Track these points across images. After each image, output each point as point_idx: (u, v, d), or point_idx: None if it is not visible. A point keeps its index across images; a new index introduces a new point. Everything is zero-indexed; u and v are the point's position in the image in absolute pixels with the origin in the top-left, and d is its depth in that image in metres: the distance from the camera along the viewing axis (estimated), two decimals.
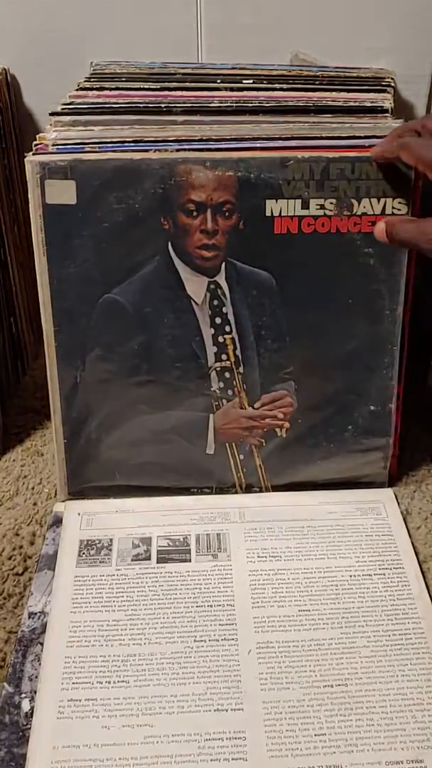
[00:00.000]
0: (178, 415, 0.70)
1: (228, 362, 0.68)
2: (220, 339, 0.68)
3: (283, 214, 0.64)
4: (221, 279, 0.66)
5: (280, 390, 0.70)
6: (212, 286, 0.66)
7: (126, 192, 0.63)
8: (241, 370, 0.69)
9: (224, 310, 0.67)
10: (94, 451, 0.71)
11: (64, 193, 0.62)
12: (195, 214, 0.64)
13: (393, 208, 0.64)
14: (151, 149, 0.62)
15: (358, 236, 0.65)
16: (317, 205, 0.64)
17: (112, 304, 0.66)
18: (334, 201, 0.64)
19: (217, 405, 0.70)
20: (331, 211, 0.64)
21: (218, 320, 0.67)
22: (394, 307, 0.67)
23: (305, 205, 0.64)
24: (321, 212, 0.64)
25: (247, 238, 0.65)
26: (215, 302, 0.67)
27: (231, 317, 0.67)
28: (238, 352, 0.68)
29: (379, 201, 0.63)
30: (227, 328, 0.67)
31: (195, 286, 0.66)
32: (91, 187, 0.62)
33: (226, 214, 0.64)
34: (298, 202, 0.63)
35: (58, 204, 0.62)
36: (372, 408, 0.70)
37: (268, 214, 0.64)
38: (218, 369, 0.69)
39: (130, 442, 0.71)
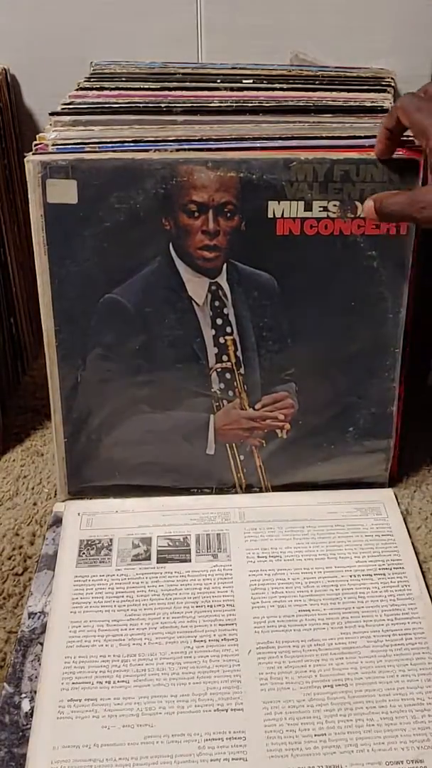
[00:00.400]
0: (179, 416, 0.70)
1: (229, 363, 0.68)
2: (221, 340, 0.67)
3: (285, 216, 0.63)
4: (222, 280, 0.66)
5: (281, 391, 0.69)
6: (213, 287, 0.66)
7: (127, 192, 0.62)
8: (241, 371, 0.68)
9: (225, 311, 0.67)
10: (94, 451, 0.71)
11: (65, 192, 0.62)
12: (196, 214, 0.63)
13: None
14: (151, 149, 0.62)
15: (361, 239, 0.64)
16: (320, 207, 0.63)
17: (113, 304, 0.66)
18: (337, 203, 0.63)
19: (218, 406, 0.70)
20: (334, 213, 0.63)
21: (219, 321, 0.67)
22: (398, 310, 0.66)
23: (308, 207, 0.63)
24: (324, 214, 0.63)
25: (248, 240, 0.64)
26: (216, 303, 0.66)
27: (232, 318, 0.67)
28: (239, 353, 0.68)
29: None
30: (228, 330, 0.67)
31: (196, 287, 0.66)
32: (92, 186, 0.62)
33: (228, 215, 0.63)
34: (301, 204, 0.63)
35: (59, 203, 0.62)
36: (373, 410, 0.70)
37: (270, 215, 0.63)
38: (219, 370, 0.68)
39: (130, 442, 0.71)
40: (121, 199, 0.63)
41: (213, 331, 0.67)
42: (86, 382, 0.68)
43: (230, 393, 0.69)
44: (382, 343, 0.68)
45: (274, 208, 0.63)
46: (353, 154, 0.62)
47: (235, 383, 0.69)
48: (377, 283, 0.66)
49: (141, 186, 0.62)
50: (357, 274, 0.65)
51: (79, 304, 0.66)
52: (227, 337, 0.67)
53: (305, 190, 0.63)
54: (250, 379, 0.69)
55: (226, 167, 0.62)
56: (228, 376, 0.69)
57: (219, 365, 0.68)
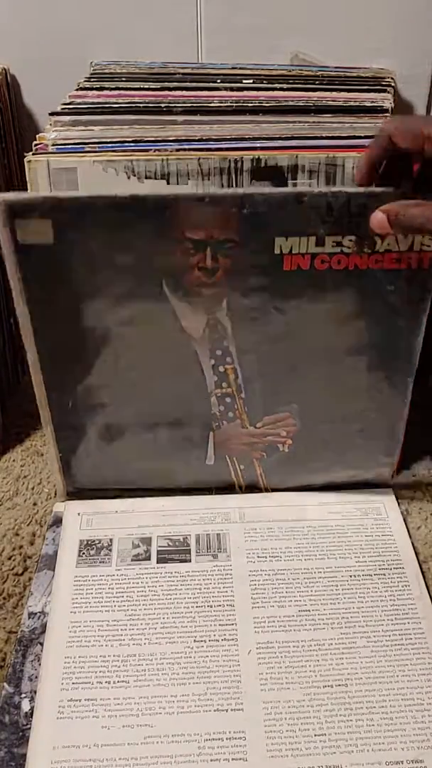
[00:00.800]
0: (177, 432, 0.68)
1: (229, 389, 0.66)
2: (221, 369, 0.65)
3: (293, 252, 0.58)
4: (222, 314, 0.62)
5: (284, 411, 0.67)
6: (212, 322, 0.62)
7: (112, 231, 0.57)
8: (242, 395, 0.66)
9: (225, 343, 0.63)
10: (88, 463, 0.70)
11: (39, 232, 0.56)
12: (192, 251, 0.58)
13: (422, 244, 0.58)
14: (151, 149, 0.62)
15: (378, 273, 0.59)
16: (334, 242, 0.58)
17: (102, 338, 0.62)
18: (353, 238, 0.58)
19: (218, 425, 0.68)
20: (349, 248, 0.58)
21: (218, 352, 0.64)
22: (413, 341, 0.63)
23: (320, 242, 0.58)
24: (338, 249, 0.58)
25: (251, 277, 0.60)
26: (215, 336, 0.63)
27: (233, 349, 0.64)
28: (240, 380, 0.65)
29: (406, 237, 0.58)
30: (228, 360, 0.64)
31: (193, 322, 0.62)
32: (71, 226, 0.56)
33: (228, 251, 0.58)
34: (312, 239, 0.58)
35: (33, 244, 0.56)
36: (381, 429, 0.69)
37: (276, 251, 0.58)
38: (218, 395, 0.66)
39: (125, 456, 0.70)
40: (104, 238, 0.57)
41: (212, 361, 0.64)
42: (79, 407, 0.66)
43: (230, 414, 0.67)
44: (394, 372, 0.65)
45: (282, 244, 0.58)
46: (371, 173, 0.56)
47: (235, 406, 0.67)
48: (393, 317, 0.61)
49: (128, 225, 0.57)
50: (371, 308, 0.61)
51: (63, 343, 0.62)
52: (227, 366, 0.64)
53: (318, 225, 0.57)
54: (251, 402, 0.66)
55: (227, 204, 0.56)
56: (228, 400, 0.66)
57: (219, 390, 0.66)
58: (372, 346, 0.64)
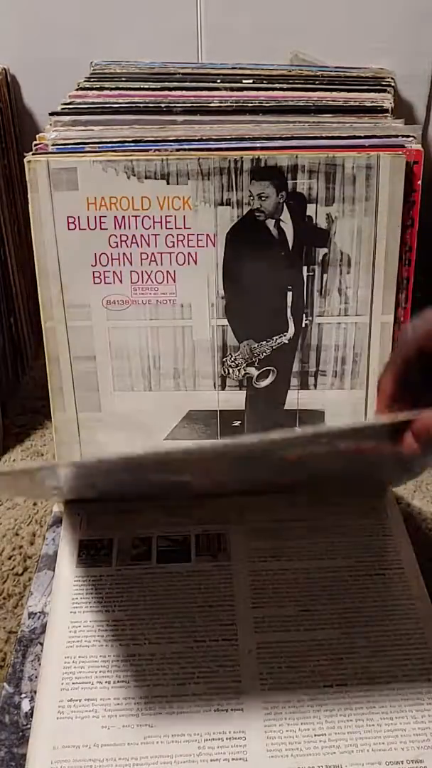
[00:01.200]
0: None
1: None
2: None
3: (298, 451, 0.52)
4: None
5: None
6: None
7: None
8: None
9: None
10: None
11: None
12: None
13: None
14: (151, 149, 0.62)
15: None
16: (347, 444, 0.52)
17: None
18: (372, 442, 0.51)
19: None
20: (367, 446, 0.52)
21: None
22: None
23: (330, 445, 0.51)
24: (352, 447, 0.52)
25: (247, 466, 0.55)
26: None
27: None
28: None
29: None
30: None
31: None
32: None
33: None
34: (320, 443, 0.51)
35: None
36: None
37: (279, 456, 0.53)
38: None
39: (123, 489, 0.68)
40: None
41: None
42: None
43: None
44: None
45: (286, 454, 0.52)
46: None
47: None
48: (411, 466, 0.60)
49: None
50: (386, 465, 0.59)
51: None
52: None
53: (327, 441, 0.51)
54: None
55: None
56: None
57: None
58: (386, 476, 0.66)
